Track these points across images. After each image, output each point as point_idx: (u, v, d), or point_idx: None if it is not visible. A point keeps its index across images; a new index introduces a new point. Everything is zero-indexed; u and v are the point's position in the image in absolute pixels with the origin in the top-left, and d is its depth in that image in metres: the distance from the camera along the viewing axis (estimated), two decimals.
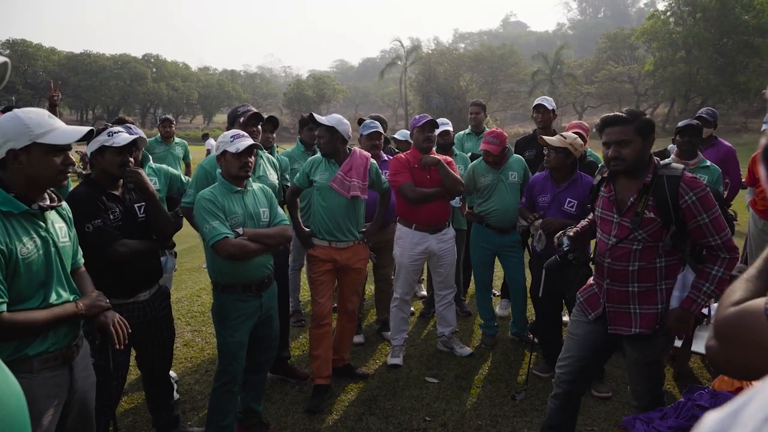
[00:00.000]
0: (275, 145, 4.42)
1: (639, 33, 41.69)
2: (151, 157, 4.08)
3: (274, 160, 3.89)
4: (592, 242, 2.85)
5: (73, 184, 3.35)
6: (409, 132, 5.02)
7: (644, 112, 2.56)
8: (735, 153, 5.08)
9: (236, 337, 2.95)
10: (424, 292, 5.58)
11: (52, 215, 2.08)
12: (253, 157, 2.97)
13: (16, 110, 1.95)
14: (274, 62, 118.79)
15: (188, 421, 3.45)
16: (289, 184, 3.95)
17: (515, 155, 4.53)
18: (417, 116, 4.19)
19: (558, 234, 2.75)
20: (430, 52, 52.30)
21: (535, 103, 4.88)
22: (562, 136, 3.77)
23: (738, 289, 0.97)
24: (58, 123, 1.97)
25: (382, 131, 4.37)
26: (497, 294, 5.54)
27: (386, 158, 4.51)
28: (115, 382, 2.58)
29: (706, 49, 35.96)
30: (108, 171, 2.66)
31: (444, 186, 4.01)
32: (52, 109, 3.67)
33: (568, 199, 3.73)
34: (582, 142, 3.79)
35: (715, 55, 35.53)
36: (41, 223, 1.99)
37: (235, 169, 2.88)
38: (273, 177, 3.69)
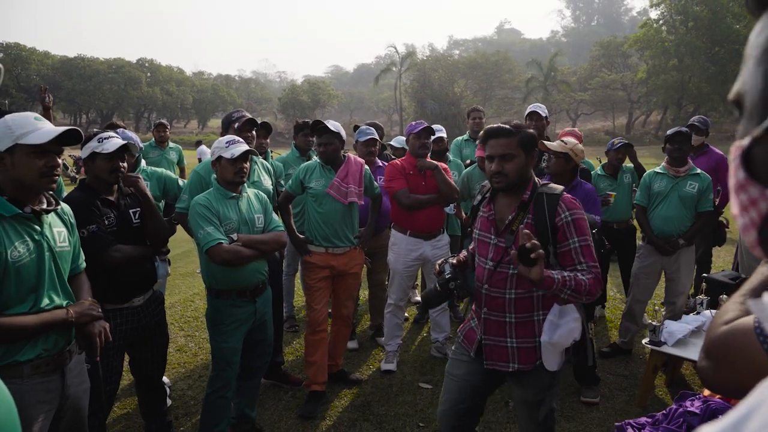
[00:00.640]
0: (269, 150, 4.43)
1: (632, 41, 42.04)
2: (144, 161, 4.06)
3: (269, 166, 3.89)
4: None
5: (67, 189, 3.35)
6: (404, 138, 5.05)
7: (528, 125, 2.44)
8: (727, 161, 5.11)
9: (230, 342, 2.94)
10: (419, 298, 5.59)
11: (50, 219, 2.07)
12: (248, 163, 2.98)
13: (6, 116, 1.97)
14: (268, 67, 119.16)
15: (181, 427, 3.43)
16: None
17: None
18: (413, 122, 4.21)
19: (440, 260, 2.47)
20: (424, 58, 52.48)
21: (528, 110, 4.91)
22: (562, 141, 3.78)
23: (730, 308, 0.96)
24: (41, 124, 1.96)
25: (378, 138, 4.39)
26: None
27: (381, 164, 4.53)
28: (107, 388, 2.57)
29: (698, 58, 36.33)
30: (99, 177, 2.66)
31: (439, 192, 4.03)
32: (46, 113, 3.67)
33: None
34: (582, 148, 3.80)
35: (707, 63, 35.88)
36: (36, 227, 1.99)
37: (230, 174, 2.89)
38: (267, 182, 3.70)
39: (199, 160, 14.01)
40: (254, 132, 3.64)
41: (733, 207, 0.52)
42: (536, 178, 2.31)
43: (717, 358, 0.91)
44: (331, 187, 3.60)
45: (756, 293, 0.97)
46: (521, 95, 46.38)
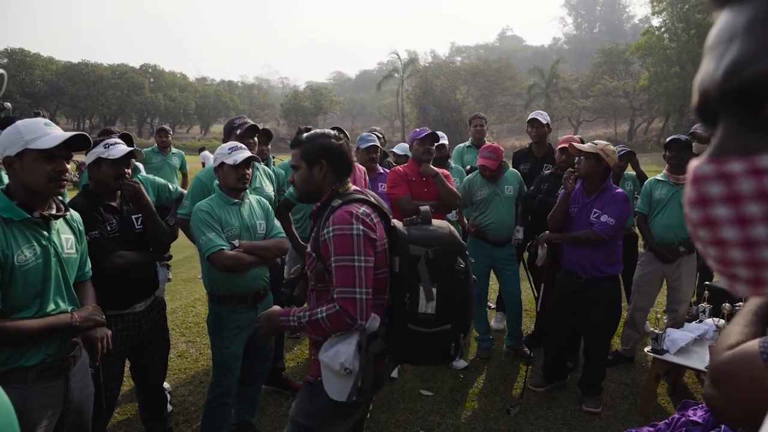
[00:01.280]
0: (272, 156, 4.44)
1: (634, 48, 42.12)
2: (142, 167, 4.07)
3: (270, 172, 3.90)
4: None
5: (69, 195, 3.36)
6: (407, 145, 5.05)
7: (328, 134, 2.21)
8: None
9: (231, 348, 2.94)
10: None
11: (58, 225, 2.08)
12: (250, 170, 2.98)
13: (17, 122, 1.99)
14: (271, 73, 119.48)
15: None
16: None
17: (511, 169, 4.56)
18: (417, 129, 4.23)
19: (294, 268, 2.37)
20: (426, 65, 52.64)
21: (530, 117, 4.93)
22: (593, 143, 3.72)
23: (732, 332, 0.92)
24: (51, 130, 1.98)
25: (379, 145, 4.40)
26: (492, 307, 5.55)
27: (382, 171, 4.53)
28: (107, 394, 2.57)
29: (700, 65, 36.34)
30: (104, 182, 2.68)
31: (441, 199, 4.03)
32: None
33: (594, 210, 3.62)
34: (614, 149, 3.71)
35: None
36: (44, 232, 2.00)
37: (233, 180, 2.90)
38: (269, 189, 3.71)
39: (203, 164, 14.03)
40: (256, 138, 3.65)
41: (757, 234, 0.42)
42: (343, 189, 2.06)
43: (723, 386, 0.87)
44: None
45: (759, 316, 0.94)
46: (523, 102, 46.44)
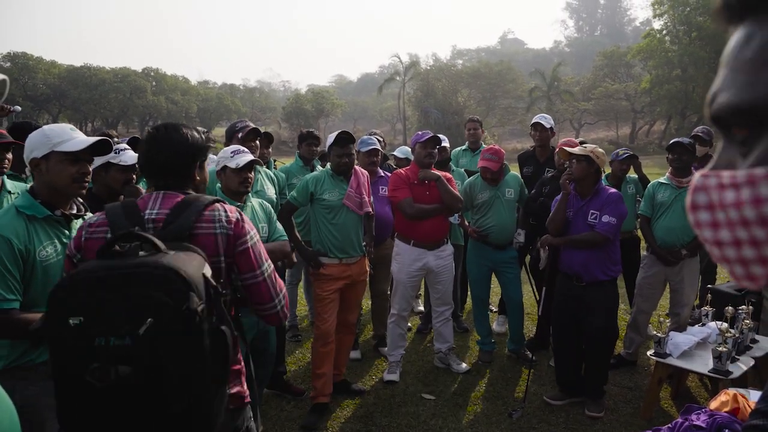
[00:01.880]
0: (273, 159, 4.45)
1: (635, 51, 42.11)
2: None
3: (272, 175, 3.91)
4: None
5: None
6: (408, 149, 5.06)
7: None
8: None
9: None
10: (421, 308, 5.58)
11: (78, 224, 2.14)
12: (252, 173, 2.99)
13: (44, 126, 2.15)
14: (273, 76, 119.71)
15: None
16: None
17: (511, 172, 4.56)
18: (420, 132, 4.23)
19: None
20: (428, 68, 52.64)
21: (533, 121, 4.93)
22: (582, 146, 3.77)
23: None
24: (76, 134, 2.11)
25: (380, 148, 4.40)
26: (494, 310, 5.54)
27: (382, 174, 4.54)
28: None
29: (701, 68, 36.36)
30: (111, 187, 2.72)
31: (443, 203, 4.03)
32: None
33: (591, 211, 3.64)
34: (603, 151, 3.76)
35: (711, 73, 35.80)
36: (65, 231, 2.10)
37: (235, 184, 2.90)
38: (271, 192, 3.71)
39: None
40: (258, 141, 3.66)
41: (723, 236, 0.48)
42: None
43: None
44: (348, 198, 3.61)
45: None
46: (524, 105, 46.42)
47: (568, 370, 3.85)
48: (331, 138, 3.68)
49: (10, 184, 2.73)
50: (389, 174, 4.40)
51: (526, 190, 4.56)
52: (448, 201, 4.02)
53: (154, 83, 54.52)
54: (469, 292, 4.96)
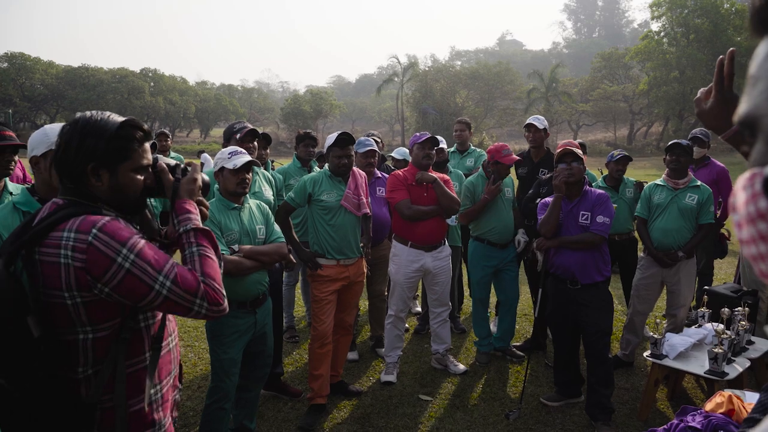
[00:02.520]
0: (270, 160, 4.45)
1: (633, 53, 42.18)
2: None
3: (270, 177, 3.91)
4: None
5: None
6: (406, 150, 5.06)
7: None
8: (728, 173, 5.15)
9: (230, 353, 2.94)
10: (419, 308, 5.58)
11: None
12: (250, 174, 2.99)
13: (45, 125, 2.20)
14: (271, 77, 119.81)
15: None
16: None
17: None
18: (418, 133, 4.24)
19: None
20: (426, 69, 52.64)
21: (527, 122, 4.93)
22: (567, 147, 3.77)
23: None
24: None
25: (377, 149, 4.41)
26: (491, 311, 5.54)
27: (380, 175, 4.54)
28: None
29: (699, 70, 36.46)
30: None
31: (440, 205, 4.04)
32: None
33: (582, 212, 3.65)
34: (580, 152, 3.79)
35: (708, 75, 35.95)
36: None
37: (233, 185, 2.91)
38: (269, 193, 3.71)
39: (202, 165, 14.09)
40: (255, 143, 3.67)
41: (743, 235, 0.52)
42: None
43: None
44: (346, 199, 3.61)
45: None
46: (523, 106, 46.45)
47: (566, 375, 3.85)
48: (330, 139, 3.69)
49: (12, 185, 2.77)
50: (387, 175, 4.40)
51: (522, 191, 4.60)
52: (445, 203, 4.02)
53: (152, 84, 54.45)
54: (465, 293, 4.96)
